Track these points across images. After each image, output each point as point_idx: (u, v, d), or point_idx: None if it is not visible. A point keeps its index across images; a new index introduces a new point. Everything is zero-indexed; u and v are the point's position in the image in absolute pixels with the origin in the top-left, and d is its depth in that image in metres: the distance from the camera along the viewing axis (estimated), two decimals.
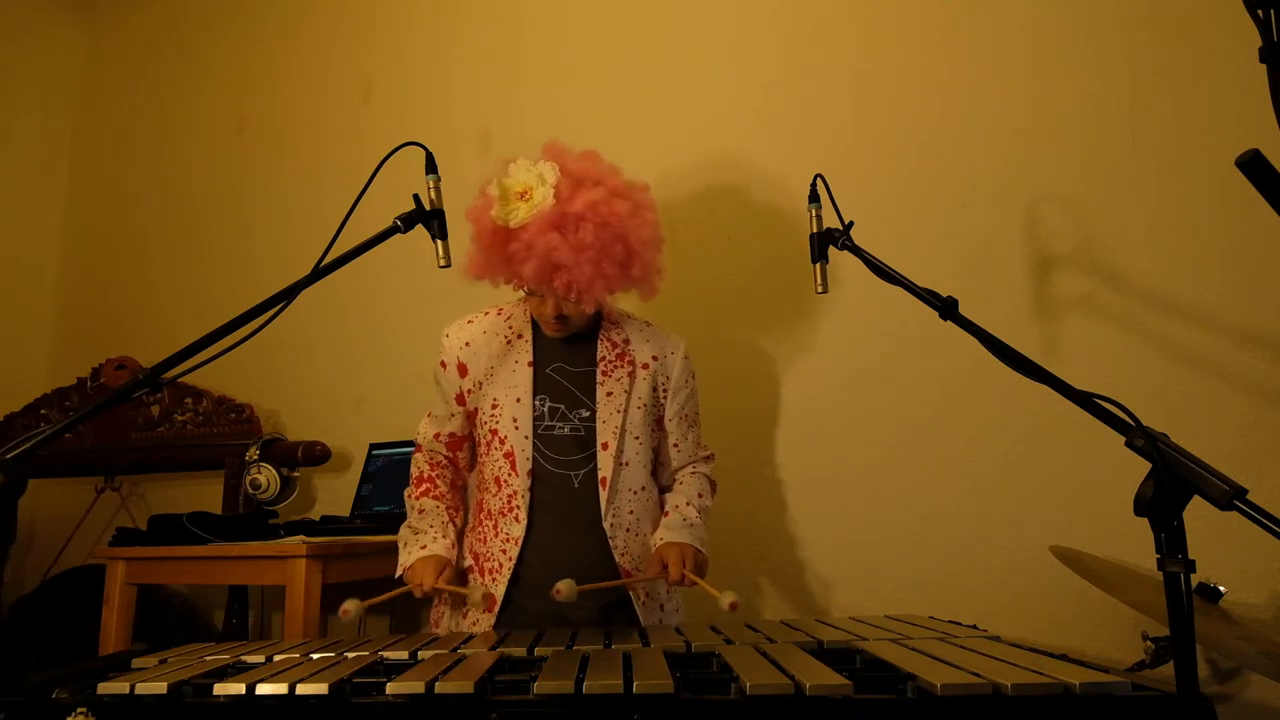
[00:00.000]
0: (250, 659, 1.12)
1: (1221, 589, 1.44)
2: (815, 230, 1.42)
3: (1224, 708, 1.60)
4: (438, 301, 2.58)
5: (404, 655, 1.11)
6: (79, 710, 0.91)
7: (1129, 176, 1.82)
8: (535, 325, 1.60)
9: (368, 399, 2.66)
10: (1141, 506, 0.89)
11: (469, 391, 1.59)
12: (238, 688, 0.92)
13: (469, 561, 1.59)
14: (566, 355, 1.58)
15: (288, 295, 1.19)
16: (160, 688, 0.93)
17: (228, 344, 1.12)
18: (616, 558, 1.51)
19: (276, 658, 1.12)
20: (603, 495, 1.51)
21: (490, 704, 0.89)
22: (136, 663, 1.14)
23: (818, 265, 1.42)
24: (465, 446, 1.66)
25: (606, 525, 1.51)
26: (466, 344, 1.59)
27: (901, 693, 0.88)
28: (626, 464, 1.54)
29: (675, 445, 1.65)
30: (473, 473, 1.68)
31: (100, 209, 3.36)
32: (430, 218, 1.30)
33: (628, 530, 1.54)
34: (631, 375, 1.58)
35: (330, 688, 0.91)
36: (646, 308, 1.70)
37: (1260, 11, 1.02)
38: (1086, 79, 1.88)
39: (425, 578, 1.42)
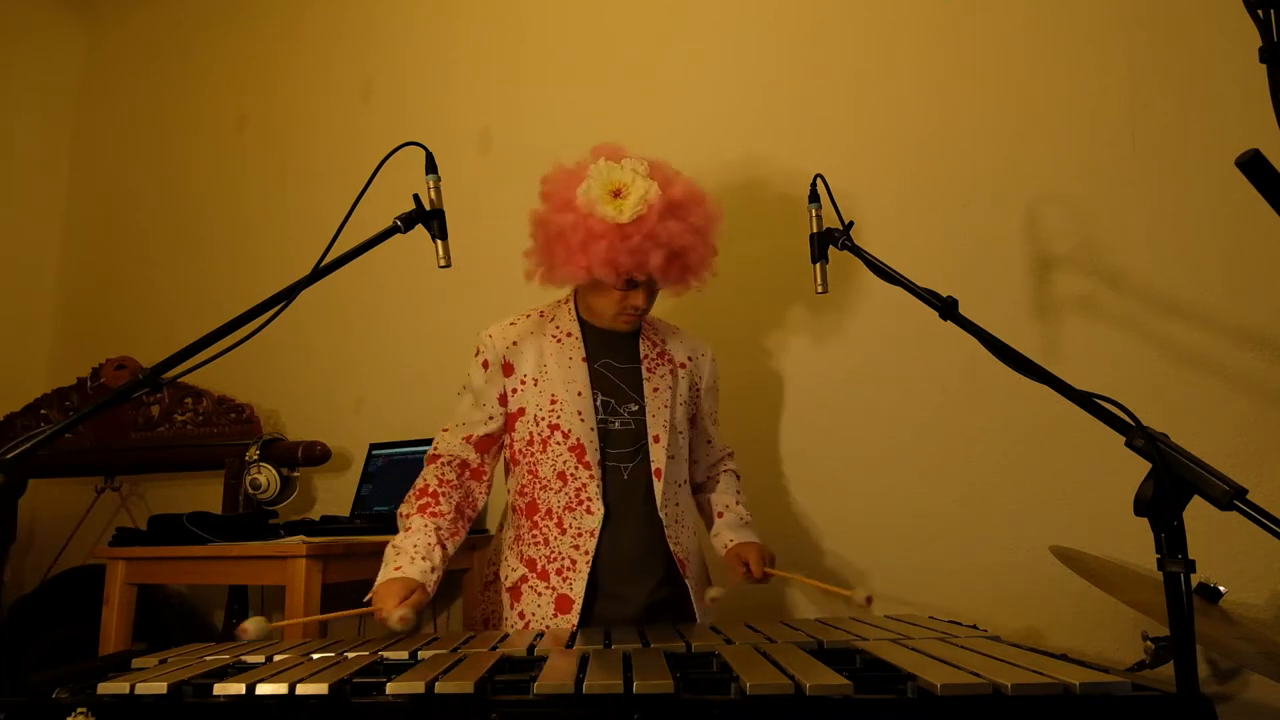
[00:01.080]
0: (250, 659, 1.12)
1: (1221, 589, 1.44)
2: (815, 230, 1.42)
3: (1224, 708, 1.60)
4: (438, 301, 2.58)
5: (404, 655, 1.11)
6: (79, 710, 0.91)
7: (1129, 176, 1.82)
8: (583, 323, 1.62)
9: (368, 399, 2.66)
10: (1141, 506, 0.89)
11: (514, 391, 1.57)
12: (238, 688, 0.92)
13: (521, 571, 1.53)
14: (612, 352, 1.61)
15: (288, 295, 1.19)
16: (160, 688, 0.93)
17: (228, 344, 1.12)
18: (671, 547, 1.55)
19: (276, 658, 1.12)
20: (658, 486, 1.55)
21: (490, 704, 0.89)
22: (136, 663, 1.14)
23: (817, 265, 1.42)
24: (494, 450, 1.62)
25: (663, 515, 1.55)
26: (514, 343, 1.58)
27: (901, 693, 0.88)
28: (673, 457, 1.59)
29: (709, 442, 1.75)
30: (509, 479, 1.63)
31: (100, 209, 3.36)
32: (430, 218, 1.31)
33: (677, 521, 1.59)
34: (673, 373, 1.64)
35: (330, 688, 0.91)
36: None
37: (1260, 11, 1.02)
38: (1086, 79, 1.88)
39: (387, 602, 1.32)
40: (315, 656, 1.11)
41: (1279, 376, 1.67)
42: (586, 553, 1.49)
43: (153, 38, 3.36)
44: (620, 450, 1.55)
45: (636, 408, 1.58)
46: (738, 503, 1.70)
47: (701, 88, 2.32)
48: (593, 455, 1.51)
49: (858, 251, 1.33)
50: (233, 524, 2.18)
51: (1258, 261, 1.70)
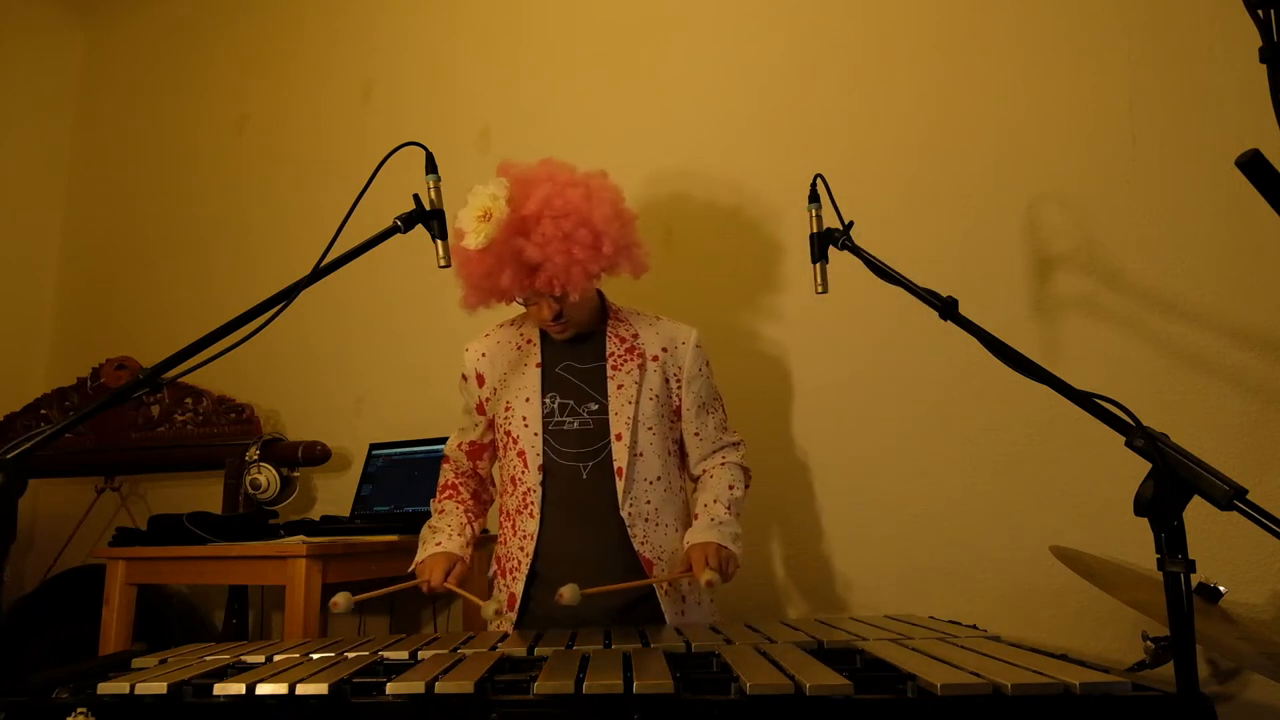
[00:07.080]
0: (250, 659, 1.13)
1: (1221, 589, 1.44)
2: (815, 230, 1.42)
3: (1224, 708, 1.60)
4: (437, 301, 2.58)
5: (404, 655, 1.11)
6: (79, 710, 0.91)
7: (1129, 176, 1.82)
8: (544, 330, 1.65)
9: (368, 399, 2.67)
10: (1141, 506, 0.89)
11: (487, 400, 1.65)
12: (238, 688, 0.93)
13: (494, 568, 1.64)
14: (574, 354, 1.63)
15: (288, 295, 1.19)
16: (160, 688, 0.94)
17: (228, 344, 1.12)
18: (636, 546, 1.52)
19: (276, 658, 1.12)
20: (619, 485, 1.53)
21: (490, 704, 0.89)
22: (136, 663, 1.14)
23: (817, 265, 1.42)
24: (485, 455, 1.72)
25: (624, 514, 1.52)
26: (483, 355, 1.66)
27: (901, 693, 0.88)
28: (641, 454, 1.56)
29: (696, 434, 1.65)
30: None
31: (100, 209, 3.36)
32: (430, 218, 1.31)
33: (646, 520, 1.54)
34: (641, 367, 1.60)
35: (330, 688, 0.91)
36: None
37: (1260, 11, 1.02)
38: (1086, 79, 1.88)
39: (434, 574, 1.46)
40: (315, 656, 1.11)
41: (1279, 376, 1.67)
42: (528, 554, 1.53)
43: (153, 38, 3.36)
44: (577, 449, 1.56)
45: (597, 406, 1.57)
46: (716, 500, 1.56)
47: (701, 86, 2.32)
48: (533, 460, 1.55)
49: (857, 251, 1.33)
50: (233, 524, 2.18)
51: (1257, 261, 1.70)
